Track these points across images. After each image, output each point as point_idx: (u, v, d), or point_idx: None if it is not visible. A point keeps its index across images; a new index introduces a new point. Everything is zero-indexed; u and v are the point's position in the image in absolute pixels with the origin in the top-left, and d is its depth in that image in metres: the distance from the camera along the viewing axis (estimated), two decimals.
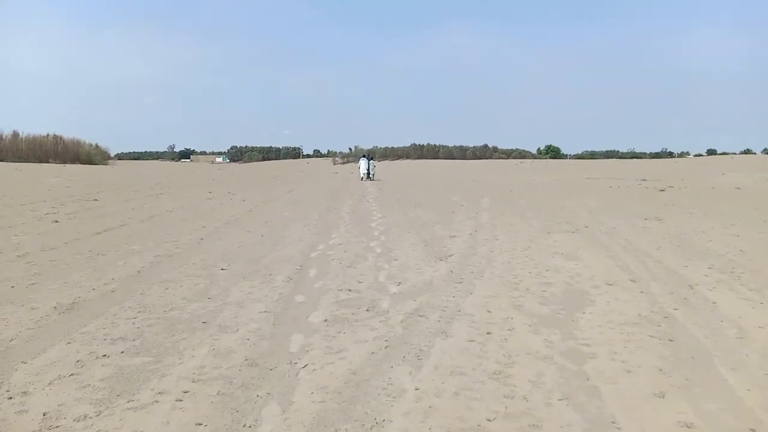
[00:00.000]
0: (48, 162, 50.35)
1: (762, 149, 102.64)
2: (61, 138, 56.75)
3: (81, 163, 53.97)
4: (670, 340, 4.03)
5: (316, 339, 4.03)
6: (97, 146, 63.54)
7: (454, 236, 8.93)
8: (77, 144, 59.17)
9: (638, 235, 9.14)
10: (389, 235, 9.05)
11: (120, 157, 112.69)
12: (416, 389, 3.17)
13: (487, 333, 4.18)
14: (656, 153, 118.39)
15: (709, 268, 6.51)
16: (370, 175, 28.05)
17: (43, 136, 54.52)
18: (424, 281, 5.89)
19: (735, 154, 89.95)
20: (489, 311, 4.78)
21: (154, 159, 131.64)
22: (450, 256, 7.29)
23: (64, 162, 51.62)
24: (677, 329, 4.28)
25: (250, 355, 3.70)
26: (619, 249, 7.79)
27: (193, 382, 3.26)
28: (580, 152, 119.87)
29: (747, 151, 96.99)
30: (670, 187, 21.64)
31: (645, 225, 10.41)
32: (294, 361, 3.59)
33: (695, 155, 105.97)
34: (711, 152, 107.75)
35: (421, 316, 4.63)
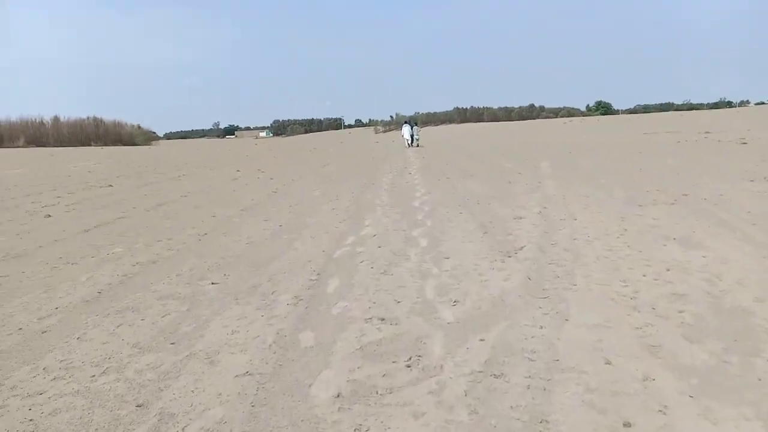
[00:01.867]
0: (90, 145, 50.51)
1: None
2: (101, 120, 57.03)
3: (123, 144, 54.00)
4: None
5: None
6: (139, 127, 63.71)
7: (519, 217, 6.97)
8: (119, 126, 59.34)
9: (761, 205, 6.96)
10: (436, 218, 7.20)
11: (168, 136, 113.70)
12: None
13: (624, 425, 2.33)
14: (715, 103, 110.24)
15: None
16: (415, 141, 27.84)
17: (83, 119, 54.73)
18: (492, 297, 4.05)
19: None
20: (608, 362, 2.91)
21: (200, 137, 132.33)
22: (520, 249, 5.39)
23: (106, 144, 51.69)
24: None
25: None
26: (751, 229, 5.69)
27: None
28: (632, 107, 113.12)
29: None
30: (742, 139, 18.71)
31: (758, 189, 8.15)
32: None
33: (756, 103, 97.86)
34: None
35: (496, 376, 2.82)
